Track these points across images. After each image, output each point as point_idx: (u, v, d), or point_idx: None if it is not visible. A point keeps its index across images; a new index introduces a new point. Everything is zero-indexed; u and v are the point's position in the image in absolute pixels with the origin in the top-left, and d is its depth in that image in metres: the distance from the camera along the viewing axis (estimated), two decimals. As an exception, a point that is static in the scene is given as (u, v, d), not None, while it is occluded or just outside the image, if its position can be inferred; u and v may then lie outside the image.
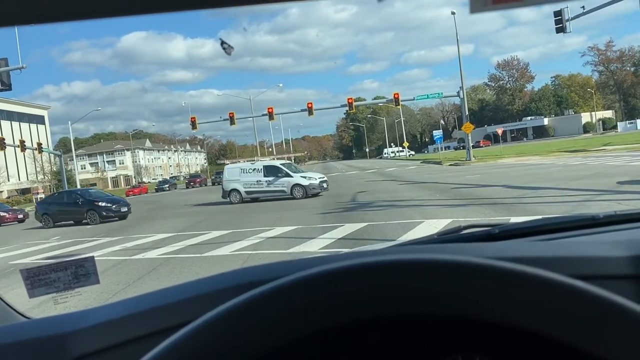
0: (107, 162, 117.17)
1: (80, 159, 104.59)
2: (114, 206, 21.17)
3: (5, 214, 28.96)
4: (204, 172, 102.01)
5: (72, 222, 21.51)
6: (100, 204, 21.14)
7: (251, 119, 53.58)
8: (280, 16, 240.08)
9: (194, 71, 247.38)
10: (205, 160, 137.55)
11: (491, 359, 0.76)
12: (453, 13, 38.88)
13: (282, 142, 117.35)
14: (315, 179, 22.34)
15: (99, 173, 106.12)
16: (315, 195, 21.69)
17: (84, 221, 20.95)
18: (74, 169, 61.61)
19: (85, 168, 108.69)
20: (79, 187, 52.92)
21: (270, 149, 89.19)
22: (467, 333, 0.73)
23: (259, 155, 71.69)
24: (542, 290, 0.47)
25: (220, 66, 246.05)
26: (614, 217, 1.13)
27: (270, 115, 39.22)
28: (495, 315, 0.49)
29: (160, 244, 12.29)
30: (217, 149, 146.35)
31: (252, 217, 16.35)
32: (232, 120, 39.09)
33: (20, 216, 29.21)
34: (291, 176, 22.28)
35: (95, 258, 1.13)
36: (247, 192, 22.74)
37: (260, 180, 22.58)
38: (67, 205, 21.75)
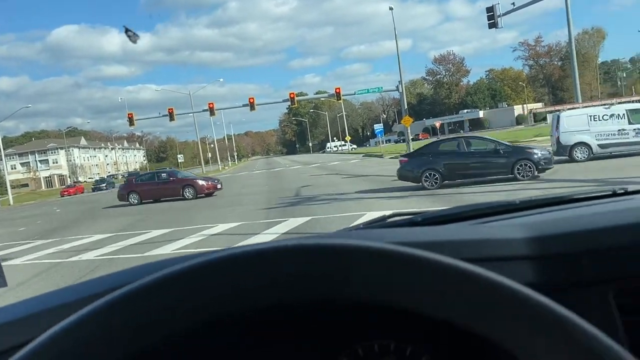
0: (40, 161, 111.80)
1: (10, 158, 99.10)
2: (545, 154, 15.38)
3: (204, 182, 23.61)
4: (143, 169, 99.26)
5: (470, 178, 15.31)
6: (534, 151, 15.28)
7: (191, 114, 52.60)
8: (220, 9, 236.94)
9: (130, 66, 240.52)
10: (144, 158, 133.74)
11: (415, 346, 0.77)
12: (391, 8, 39.49)
13: (224, 137, 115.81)
14: None
15: (31, 173, 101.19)
16: None
17: (503, 177, 15.04)
18: (4, 169, 58.45)
19: (15, 168, 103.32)
20: (9, 189, 50.13)
21: (212, 145, 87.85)
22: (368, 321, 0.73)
23: (200, 149, 70.51)
24: (429, 272, 0.46)
25: (158, 60, 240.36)
26: (530, 202, 1.16)
27: (211, 111, 38.67)
28: (375, 297, 0.47)
29: (99, 244, 11.89)
30: (156, 146, 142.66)
31: (195, 214, 16.09)
32: (171, 116, 38.20)
33: (219, 186, 23.81)
34: None
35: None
36: (601, 146, 17.63)
37: (624, 130, 17.39)
38: (469, 157, 15.57)
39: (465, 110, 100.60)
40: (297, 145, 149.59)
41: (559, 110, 20.37)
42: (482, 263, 0.69)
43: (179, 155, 77.12)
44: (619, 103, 20.77)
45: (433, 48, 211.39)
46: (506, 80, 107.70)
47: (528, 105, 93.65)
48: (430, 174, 15.47)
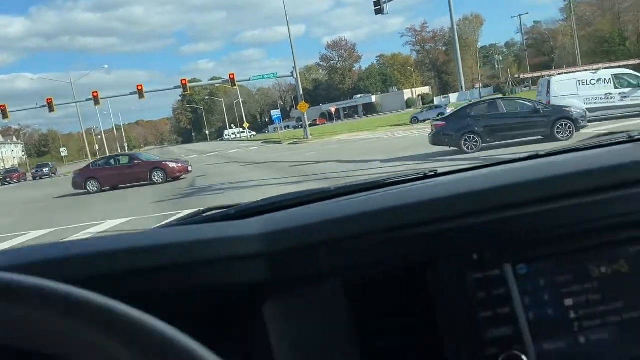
0: None
1: None
2: (580, 112, 15.52)
3: (174, 165, 21.30)
4: (22, 165, 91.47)
5: (510, 140, 15.03)
6: (572, 109, 15.44)
7: (74, 104, 49.21)
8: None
9: (1, 53, 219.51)
10: (23, 153, 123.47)
11: None
12: (282, -7, 39.25)
13: (112, 128, 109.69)
14: None
15: None
16: None
17: None
18: None
19: None
20: None
21: (99, 137, 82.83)
22: None
23: (86, 142, 66.22)
24: None
25: (34, 47, 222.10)
26: (344, 188, 1.12)
27: (96, 100, 36.59)
28: None
29: (-35, 252, 10.69)
30: (37, 140, 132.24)
31: (79, 211, 15.03)
32: (50, 106, 35.51)
33: (189, 169, 21.51)
34: None
35: None
36: (589, 110, 17.45)
37: (610, 94, 18.07)
38: (509, 118, 15.39)
39: (359, 95, 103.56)
40: (194, 134, 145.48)
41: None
42: (215, 263, 0.70)
43: (62, 149, 72.14)
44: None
45: (327, 34, 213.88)
46: (396, 65, 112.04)
47: (417, 89, 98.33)
48: (469, 137, 15.11)
